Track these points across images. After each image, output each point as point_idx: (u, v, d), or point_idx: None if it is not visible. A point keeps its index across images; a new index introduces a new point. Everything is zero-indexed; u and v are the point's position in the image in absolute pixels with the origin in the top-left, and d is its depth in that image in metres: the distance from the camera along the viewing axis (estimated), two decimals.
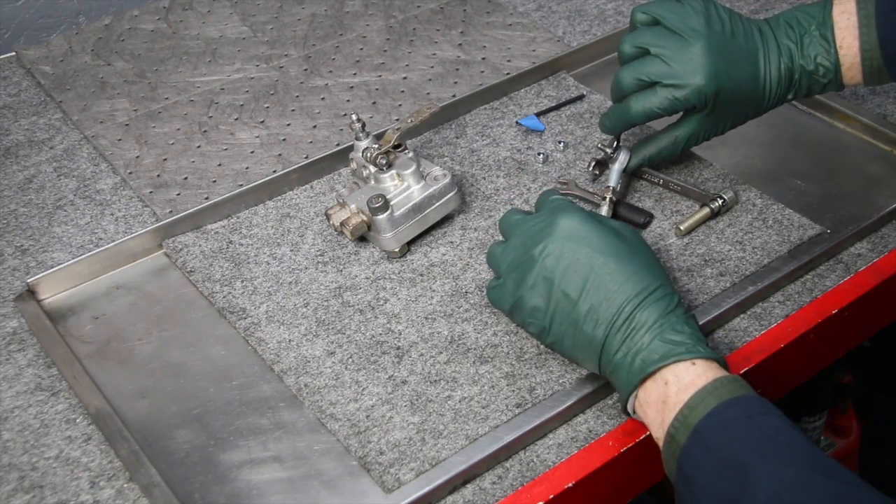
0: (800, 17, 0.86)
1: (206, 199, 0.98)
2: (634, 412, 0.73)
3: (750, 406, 0.66)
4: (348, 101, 1.11)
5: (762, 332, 0.82)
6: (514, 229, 0.78)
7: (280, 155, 1.04)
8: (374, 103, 1.11)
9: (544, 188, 0.96)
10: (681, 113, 0.88)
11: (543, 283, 0.74)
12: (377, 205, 0.86)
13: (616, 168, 0.92)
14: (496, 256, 0.79)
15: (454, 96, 1.09)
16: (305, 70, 1.16)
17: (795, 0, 1.23)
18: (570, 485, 0.72)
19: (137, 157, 1.05)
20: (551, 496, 0.72)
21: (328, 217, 0.90)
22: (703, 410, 0.66)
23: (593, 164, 0.95)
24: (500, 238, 0.83)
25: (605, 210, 0.90)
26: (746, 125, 0.91)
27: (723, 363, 0.70)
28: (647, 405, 0.70)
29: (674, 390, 0.68)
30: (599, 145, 0.94)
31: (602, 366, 0.73)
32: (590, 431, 0.76)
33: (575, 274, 0.73)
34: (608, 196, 0.90)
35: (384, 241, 0.88)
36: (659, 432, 0.70)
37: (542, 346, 0.81)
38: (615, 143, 0.93)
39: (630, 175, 0.95)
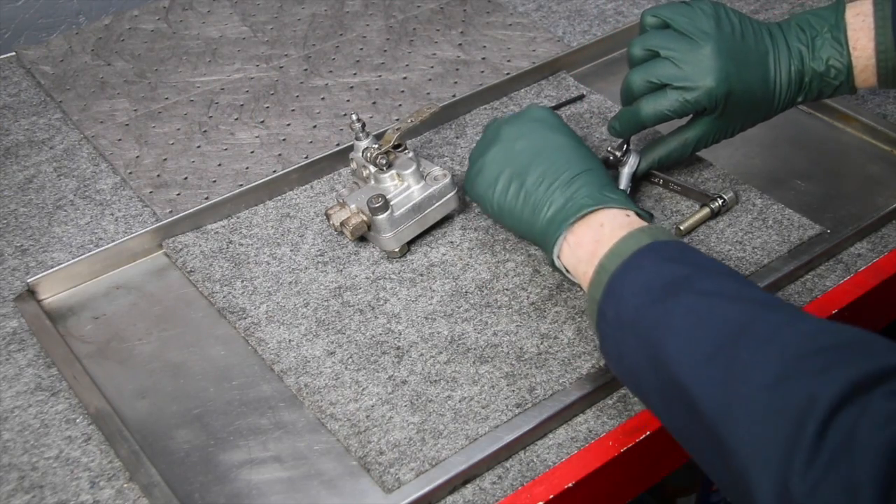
0: (811, 20, 0.86)
1: (206, 199, 0.98)
2: (559, 258, 0.78)
3: (679, 245, 0.71)
4: (348, 101, 1.11)
5: None
6: (488, 127, 0.88)
7: (280, 155, 1.04)
8: (374, 103, 1.11)
9: None
10: (690, 115, 0.88)
11: (502, 151, 0.83)
12: (377, 205, 0.87)
13: (626, 172, 0.91)
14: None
15: (454, 96, 1.09)
16: (305, 70, 1.16)
17: (795, 0, 1.23)
18: (570, 485, 0.72)
19: (137, 157, 1.05)
20: (551, 496, 0.72)
21: (328, 217, 0.90)
22: (636, 244, 0.71)
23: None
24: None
25: None
26: None
27: (652, 221, 0.77)
28: (577, 246, 0.76)
29: (608, 230, 0.74)
30: (608, 149, 0.93)
31: (539, 226, 0.79)
32: (590, 431, 0.76)
33: (531, 143, 0.82)
34: None
35: (384, 241, 0.88)
36: (587, 267, 0.74)
37: (542, 346, 0.81)
38: (625, 146, 0.92)
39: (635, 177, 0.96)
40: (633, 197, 0.94)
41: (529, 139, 0.83)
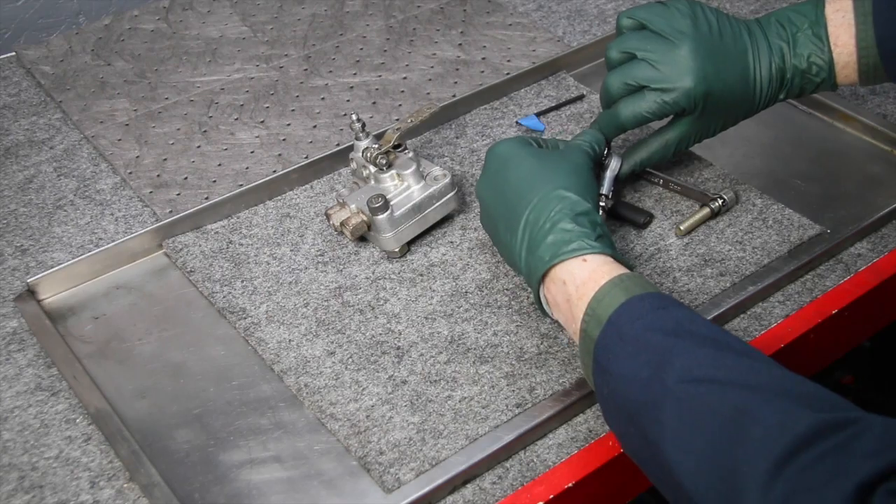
0: (792, 16, 0.85)
1: (206, 199, 0.98)
2: (546, 304, 0.76)
3: (660, 299, 0.68)
4: (348, 101, 1.11)
5: (762, 332, 0.82)
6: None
7: (280, 155, 1.04)
8: (374, 103, 1.11)
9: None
10: (671, 116, 0.87)
11: (483, 198, 0.82)
12: (377, 205, 0.86)
13: (608, 175, 0.90)
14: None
15: (454, 96, 1.09)
16: (305, 70, 1.16)
17: (796, 1, 1.23)
18: (570, 485, 0.72)
19: (137, 157, 1.05)
20: (551, 496, 0.72)
21: (328, 217, 0.90)
22: (612, 303, 0.68)
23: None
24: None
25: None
26: (746, 125, 0.91)
27: (616, 255, 0.73)
28: (555, 306, 0.74)
29: (572, 289, 0.71)
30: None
31: (524, 271, 0.77)
32: (590, 431, 0.76)
33: (494, 190, 0.80)
34: (601, 203, 0.88)
35: (384, 241, 0.88)
36: (572, 327, 0.72)
37: (542, 346, 0.81)
38: (606, 149, 0.92)
39: (629, 176, 0.95)
40: (631, 195, 0.94)
41: (493, 185, 0.81)
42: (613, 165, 0.90)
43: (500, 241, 0.81)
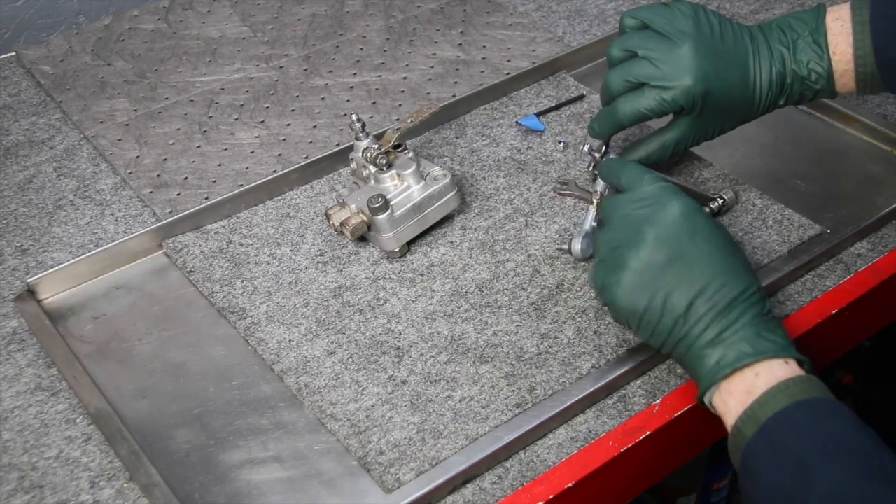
0: (793, 22, 0.85)
1: (206, 199, 0.98)
2: (710, 402, 0.72)
3: (820, 408, 0.66)
4: (348, 101, 1.11)
5: None
6: (615, 209, 0.76)
7: (280, 155, 1.04)
8: (374, 103, 1.11)
9: (544, 188, 0.96)
10: (670, 116, 0.87)
11: (649, 268, 0.72)
12: (377, 205, 0.87)
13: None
14: (599, 239, 0.76)
15: (454, 96, 1.09)
16: (305, 70, 1.16)
17: (795, 0, 1.23)
18: (570, 485, 0.72)
19: (137, 157, 1.05)
20: (551, 496, 0.72)
21: (328, 217, 0.90)
22: (773, 408, 0.67)
23: (593, 164, 0.95)
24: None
25: (590, 217, 0.87)
26: (747, 125, 0.91)
27: (810, 368, 0.70)
28: (728, 394, 0.70)
29: (763, 382, 0.68)
30: (587, 150, 0.93)
31: (681, 351, 0.72)
32: (590, 431, 0.76)
33: (684, 262, 0.71)
34: (595, 201, 0.88)
35: (384, 241, 0.88)
36: (727, 417, 0.70)
37: (542, 346, 0.81)
38: (604, 148, 0.92)
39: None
40: None
41: (679, 247, 0.72)
42: None
43: (668, 319, 0.72)
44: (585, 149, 0.93)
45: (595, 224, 0.87)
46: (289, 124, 1.08)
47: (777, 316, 0.74)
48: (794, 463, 0.64)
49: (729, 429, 0.70)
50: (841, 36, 0.83)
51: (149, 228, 0.93)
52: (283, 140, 1.06)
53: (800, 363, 0.70)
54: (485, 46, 1.18)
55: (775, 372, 0.69)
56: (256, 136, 1.07)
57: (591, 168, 0.95)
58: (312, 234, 0.93)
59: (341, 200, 0.90)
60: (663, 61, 0.83)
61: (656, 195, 0.74)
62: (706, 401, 0.72)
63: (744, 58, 0.84)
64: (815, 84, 0.85)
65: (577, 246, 0.86)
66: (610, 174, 0.81)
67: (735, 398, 0.69)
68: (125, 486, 0.74)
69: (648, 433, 0.75)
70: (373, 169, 0.89)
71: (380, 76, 1.14)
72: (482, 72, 1.14)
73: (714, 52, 0.83)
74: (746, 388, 0.69)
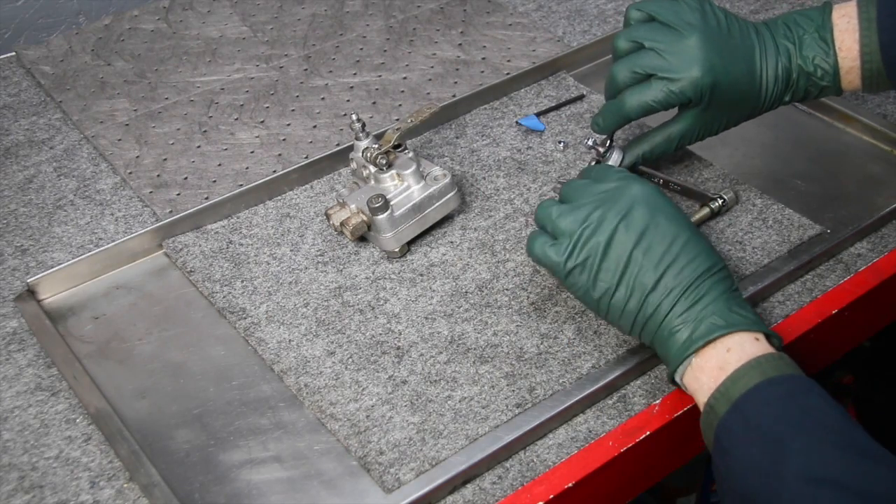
0: (799, 19, 0.85)
1: (206, 199, 0.98)
2: (682, 379, 0.72)
3: (792, 384, 0.67)
4: (348, 101, 1.11)
5: None
6: (579, 192, 0.77)
7: (280, 155, 1.04)
8: (374, 103, 1.11)
9: (544, 188, 0.96)
10: (675, 110, 0.87)
11: (617, 245, 0.73)
12: (377, 205, 0.87)
13: (615, 154, 0.90)
14: (552, 215, 0.76)
15: (454, 96, 1.09)
16: (305, 70, 1.16)
17: (795, 0, 1.23)
18: (570, 485, 0.72)
19: (137, 157, 1.05)
20: (551, 496, 0.72)
21: (328, 217, 0.90)
22: (745, 385, 0.67)
23: (596, 160, 0.94)
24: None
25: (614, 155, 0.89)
26: (746, 125, 0.90)
27: (779, 344, 0.71)
28: (700, 370, 0.70)
29: (735, 357, 0.69)
30: (591, 144, 0.92)
31: (651, 329, 0.73)
32: (590, 431, 0.76)
33: (652, 240, 0.73)
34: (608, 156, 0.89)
35: (384, 241, 0.88)
36: (698, 395, 0.70)
37: (542, 346, 0.81)
38: (608, 142, 0.91)
39: (630, 169, 0.95)
40: None
41: (643, 227, 0.73)
42: (615, 158, 0.90)
43: (634, 301, 0.73)
44: (589, 143, 0.92)
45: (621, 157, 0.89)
46: (289, 124, 1.08)
47: (774, 313, 0.74)
48: (768, 439, 0.64)
49: (701, 406, 0.70)
50: (847, 32, 0.83)
51: (149, 228, 0.93)
52: (283, 140, 1.06)
53: (768, 338, 0.71)
54: (485, 46, 1.18)
55: (746, 349, 0.69)
56: (256, 136, 1.07)
57: (593, 164, 0.94)
58: (312, 234, 0.93)
59: (341, 200, 0.90)
60: (670, 52, 0.82)
61: (619, 179, 0.76)
62: (677, 378, 0.73)
63: (750, 51, 0.84)
64: (821, 80, 0.85)
65: (615, 157, 0.89)
66: (584, 174, 0.81)
67: (707, 374, 0.70)
68: (125, 486, 0.74)
69: (648, 433, 0.75)
70: (373, 169, 0.89)
71: (380, 76, 1.14)
72: (482, 72, 1.14)
73: (721, 45, 0.83)
74: (718, 365, 0.69)
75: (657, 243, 0.73)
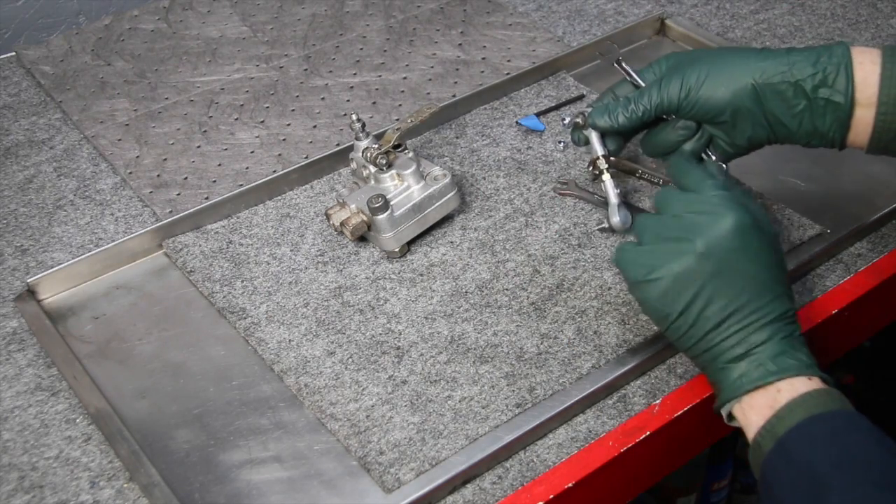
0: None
1: (206, 199, 0.98)
2: (731, 411, 0.72)
3: (838, 421, 0.67)
4: (348, 101, 1.11)
5: None
6: (670, 206, 0.75)
7: (280, 155, 1.04)
8: (374, 103, 1.11)
9: (544, 188, 0.96)
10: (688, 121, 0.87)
11: (690, 274, 0.71)
12: (377, 205, 0.87)
13: (594, 135, 0.88)
14: (644, 226, 0.75)
15: (454, 96, 1.09)
16: (305, 70, 1.16)
17: (795, 0, 1.22)
18: (570, 485, 0.72)
19: (137, 157, 1.05)
20: (551, 496, 0.72)
21: (328, 217, 0.90)
22: (790, 422, 0.67)
23: (593, 163, 0.95)
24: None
25: (610, 188, 0.87)
26: None
27: (833, 385, 0.70)
28: (750, 408, 0.70)
29: (785, 397, 0.69)
30: (568, 122, 0.90)
31: (704, 360, 0.72)
32: (590, 431, 0.76)
33: (729, 278, 0.71)
34: (602, 168, 0.87)
35: (384, 241, 0.88)
36: (752, 434, 0.70)
37: (542, 346, 0.81)
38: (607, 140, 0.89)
39: (629, 175, 0.95)
40: (631, 195, 0.94)
41: (724, 262, 0.71)
42: (619, 218, 0.88)
43: (698, 326, 0.72)
44: (566, 120, 0.91)
45: (619, 191, 0.88)
46: (289, 124, 1.08)
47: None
48: (810, 477, 0.64)
49: (750, 442, 0.70)
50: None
51: (149, 228, 0.93)
52: (283, 140, 1.06)
53: (823, 381, 0.70)
54: (485, 46, 1.18)
55: (797, 387, 0.69)
56: (256, 136, 1.07)
57: (590, 167, 0.93)
58: (312, 234, 0.93)
59: (341, 200, 0.90)
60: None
61: (714, 204, 0.72)
62: (723, 411, 0.72)
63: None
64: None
65: (615, 219, 0.87)
66: (676, 174, 0.78)
67: (756, 412, 0.70)
68: (125, 486, 0.74)
69: (648, 433, 0.75)
70: (373, 169, 0.89)
71: (380, 76, 1.14)
72: (482, 72, 1.14)
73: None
74: (768, 404, 0.69)
75: (731, 283, 0.70)
